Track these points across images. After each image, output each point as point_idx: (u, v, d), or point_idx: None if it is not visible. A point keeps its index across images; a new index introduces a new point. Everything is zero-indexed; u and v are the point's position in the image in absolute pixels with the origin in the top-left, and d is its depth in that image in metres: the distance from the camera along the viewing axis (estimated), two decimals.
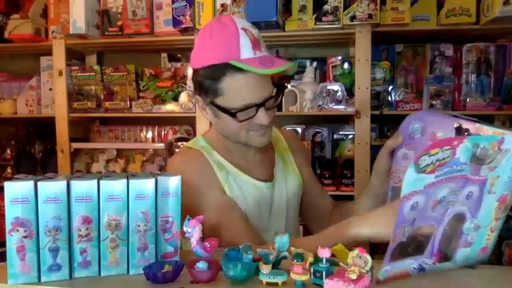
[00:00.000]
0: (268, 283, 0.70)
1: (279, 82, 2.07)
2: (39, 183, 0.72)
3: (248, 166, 1.10)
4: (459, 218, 0.74)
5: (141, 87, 2.20)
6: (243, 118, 0.97)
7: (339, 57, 2.05)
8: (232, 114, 0.96)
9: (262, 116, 0.97)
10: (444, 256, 0.77)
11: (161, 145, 2.21)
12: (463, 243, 0.76)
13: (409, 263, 0.73)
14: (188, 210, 0.88)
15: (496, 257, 1.91)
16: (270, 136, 1.05)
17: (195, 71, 1.02)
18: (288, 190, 1.15)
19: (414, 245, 0.73)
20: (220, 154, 1.09)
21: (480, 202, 0.73)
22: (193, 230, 0.77)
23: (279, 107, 2.01)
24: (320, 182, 1.37)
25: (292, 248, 0.74)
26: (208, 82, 0.97)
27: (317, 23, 1.89)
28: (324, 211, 1.22)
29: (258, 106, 0.96)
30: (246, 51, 0.93)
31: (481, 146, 0.67)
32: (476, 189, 0.71)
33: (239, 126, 0.98)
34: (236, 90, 0.95)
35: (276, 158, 1.17)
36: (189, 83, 2.10)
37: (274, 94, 1.00)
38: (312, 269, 0.69)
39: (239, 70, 0.93)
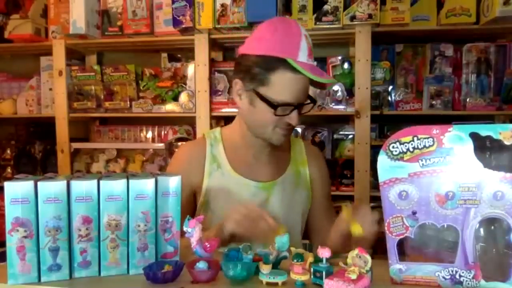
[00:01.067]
0: (268, 283, 0.70)
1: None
2: (39, 183, 0.72)
3: (250, 165, 1.14)
4: (499, 225, 0.67)
5: (141, 87, 2.20)
6: (280, 113, 1.02)
7: (339, 57, 2.05)
8: (274, 106, 1.01)
9: (294, 117, 1.03)
10: (494, 272, 0.67)
11: (161, 145, 2.21)
12: None
13: (434, 270, 0.68)
14: None
15: None
16: (289, 137, 1.13)
17: (244, 56, 1.06)
18: (293, 201, 1.17)
19: (433, 247, 0.70)
20: (224, 149, 1.14)
21: None
22: (193, 230, 0.77)
23: None
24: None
25: (292, 248, 0.74)
26: (258, 70, 1.02)
27: (317, 23, 1.89)
28: (323, 230, 1.22)
29: (295, 107, 1.02)
30: (303, 56, 1.00)
31: (487, 136, 0.65)
32: (508, 188, 0.65)
33: (271, 119, 1.03)
34: (283, 86, 1.01)
35: (290, 168, 1.19)
36: (189, 83, 2.10)
37: (307, 102, 1.07)
38: (312, 269, 0.69)
39: (292, 69, 0.99)
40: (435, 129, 0.66)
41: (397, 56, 2.02)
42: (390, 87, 2.01)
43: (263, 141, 1.11)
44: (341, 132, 2.13)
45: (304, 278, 0.69)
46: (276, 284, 0.69)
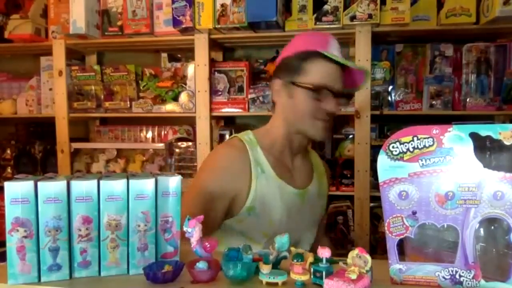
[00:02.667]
0: (268, 283, 0.70)
1: None
2: (39, 183, 0.72)
3: (287, 170, 1.15)
4: (499, 225, 0.67)
5: (141, 87, 2.20)
6: (317, 97, 1.06)
7: None
8: (310, 88, 1.05)
9: (332, 103, 1.06)
10: (494, 272, 0.68)
11: (161, 145, 2.21)
12: None
13: (434, 270, 0.68)
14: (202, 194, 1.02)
15: None
16: (326, 133, 1.13)
17: (285, 58, 1.12)
18: (317, 210, 1.22)
19: (433, 247, 0.70)
20: (263, 151, 1.13)
21: None
22: (193, 230, 0.76)
23: None
24: None
25: (292, 248, 0.74)
26: (296, 62, 1.08)
27: (317, 23, 1.89)
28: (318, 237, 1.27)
29: (334, 93, 1.06)
30: (333, 50, 1.08)
31: (487, 136, 0.65)
32: (508, 188, 0.65)
33: (310, 107, 1.06)
34: (318, 71, 1.06)
35: (315, 177, 1.22)
36: (189, 83, 2.10)
37: (345, 93, 1.11)
38: (312, 269, 0.69)
39: (326, 58, 1.05)
40: (435, 129, 0.67)
41: (397, 56, 2.02)
42: (390, 87, 2.01)
43: (302, 139, 1.13)
44: (341, 132, 2.13)
45: (304, 278, 0.69)
46: (276, 284, 0.69)
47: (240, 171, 1.08)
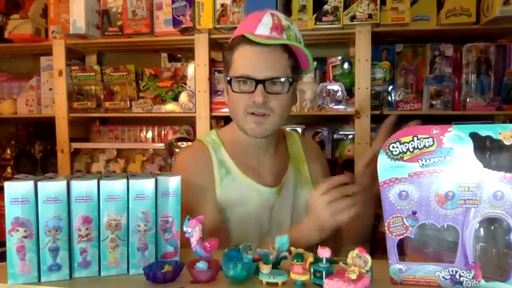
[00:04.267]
0: (268, 283, 0.70)
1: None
2: (39, 183, 0.72)
3: (256, 169, 1.08)
4: (499, 225, 0.67)
5: (141, 87, 2.20)
6: (237, 89, 0.97)
7: (339, 57, 2.05)
8: (228, 81, 0.98)
9: (256, 93, 0.95)
10: (494, 272, 0.67)
11: (161, 145, 2.21)
12: None
13: (434, 270, 0.68)
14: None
15: None
16: (266, 130, 1.01)
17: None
18: (298, 200, 1.12)
19: (433, 247, 0.70)
20: (228, 152, 1.06)
21: None
22: (193, 230, 0.76)
23: None
24: None
25: (292, 248, 0.74)
26: (226, 53, 1.02)
27: (317, 23, 1.89)
28: None
29: (256, 82, 0.95)
30: (263, 29, 0.95)
31: (487, 136, 0.65)
32: (508, 188, 0.65)
33: (239, 103, 0.98)
34: (241, 60, 0.97)
35: (290, 166, 1.14)
36: (189, 83, 2.10)
37: (279, 78, 0.97)
38: (312, 269, 0.69)
39: (250, 42, 0.95)
40: (435, 129, 0.67)
41: (397, 56, 2.02)
42: (390, 87, 2.01)
43: (258, 147, 1.06)
44: (341, 132, 2.13)
45: (304, 278, 0.69)
46: (276, 284, 0.69)
47: (201, 171, 1.03)
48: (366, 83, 1.88)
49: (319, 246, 0.70)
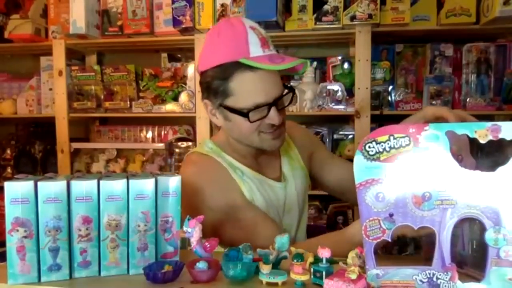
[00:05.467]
0: (268, 283, 0.70)
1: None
2: (39, 183, 0.72)
3: (260, 167, 1.09)
4: (477, 226, 0.67)
5: (141, 87, 2.20)
6: (255, 118, 0.94)
7: (339, 57, 2.05)
8: (244, 114, 0.94)
9: (273, 116, 0.95)
10: (474, 274, 0.67)
11: (161, 145, 2.21)
12: (496, 259, 0.64)
13: (411, 273, 0.67)
14: (211, 219, 0.91)
15: None
16: (283, 139, 1.03)
17: (203, 73, 0.99)
18: (297, 186, 1.14)
19: (411, 250, 0.70)
20: (231, 156, 1.06)
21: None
22: (193, 230, 0.76)
23: None
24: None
25: (292, 248, 0.74)
26: (217, 82, 0.95)
27: (317, 23, 1.89)
28: (352, 179, 1.18)
29: (269, 105, 0.94)
30: (255, 49, 0.92)
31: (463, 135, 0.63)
32: (483, 187, 0.64)
33: (251, 127, 0.96)
34: (246, 89, 0.94)
35: (282, 156, 1.15)
36: (189, 83, 2.10)
37: (284, 93, 0.98)
38: (312, 269, 0.69)
39: (249, 68, 0.91)
40: (411, 128, 0.65)
41: (397, 56, 2.02)
42: (390, 87, 2.01)
43: (256, 148, 1.05)
44: (341, 132, 2.13)
45: (304, 278, 0.69)
46: (276, 284, 0.69)
47: (225, 183, 1.01)
48: (366, 83, 1.88)
49: (319, 247, 0.70)
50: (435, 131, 0.64)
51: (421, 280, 0.66)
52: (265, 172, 1.09)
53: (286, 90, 0.99)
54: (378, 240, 0.66)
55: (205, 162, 1.04)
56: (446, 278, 0.66)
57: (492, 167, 0.64)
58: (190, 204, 0.98)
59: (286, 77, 2.14)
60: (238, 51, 0.92)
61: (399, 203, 0.65)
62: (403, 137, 0.64)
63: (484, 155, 0.67)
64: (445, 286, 0.65)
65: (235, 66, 0.92)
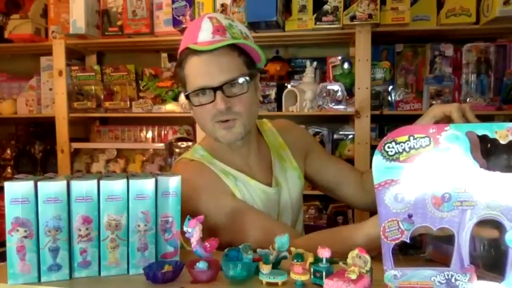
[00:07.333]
0: (268, 283, 0.70)
1: (279, 81, 2.07)
2: (39, 183, 0.72)
3: (252, 171, 1.07)
4: (495, 227, 0.66)
5: (141, 87, 2.20)
6: (199, 102, 0.95)
7: (339, 57, 2.05)
8: (187, 97, 0.97)
9: (218, 101, 0.93)
10: (489, 274, 0.67)
11: (161, 145, 2.21)
12: None
13: (430, 274, 0.66)
14: (206, 223, 0.87)
15: None
16: (238, 134, 0.98)
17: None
18: (290, 189, 1.12)
19: (429, 252, 0.69)
20: (222, 161, 1.05)
21: None
22: (193, 230, 0.76)
23: (279, 107, 2.01)
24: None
25: (292, 248, 0.74)
26: (178, 71, 0.99)
27: (317, 23, 1.89)
28: (350, 182, 1.18)
29: (214, 89, 0.93)
30: (205, 35, 0.93)
31: (484, 135, 0.63)
32: (504, 188, 0.63)
33: (206, 115, 0.96)
34: (192, 73, 0.95)
35: (273, 159, 1.12)
36: None
37: (234, 79, 0.94)
38: (312, 269, 0.69)
39: (194, 52, 0.93)
40: (431, 128, 0.65)
41: (397, 56, 2.03)
42: (390, 87, 2.01)
43: (238, 148, 1.04)
44: (341, 132, 2.13)
45: (304, 278, 0.69)
46: (276, 284, 0.69)
47: (222, 188, 0.99)
48: (366, 83, 1.88)
49: (319, 247, 0.70)
50: (455, 131, 0.63)
51: (439, 282, 0.66)
52: (257, 176, 1.07)
53: (240, 79, 0.95)
54: (397, 241, 0.66)
55: (193, 168, 1.03)
56: (465, 279, 0.65)
57: (507, 167, 0.64)
58: (182, 211, 0.98)
59: (287, 75, 2.15)
60: (189, 38, 0.96)
61: (418, 204, 0.65)
62: (423, 137, 0.64)
63: (492, 155, 0.67)
64: (464, 287, 0.65)
65: (186, 53, 0.96)
